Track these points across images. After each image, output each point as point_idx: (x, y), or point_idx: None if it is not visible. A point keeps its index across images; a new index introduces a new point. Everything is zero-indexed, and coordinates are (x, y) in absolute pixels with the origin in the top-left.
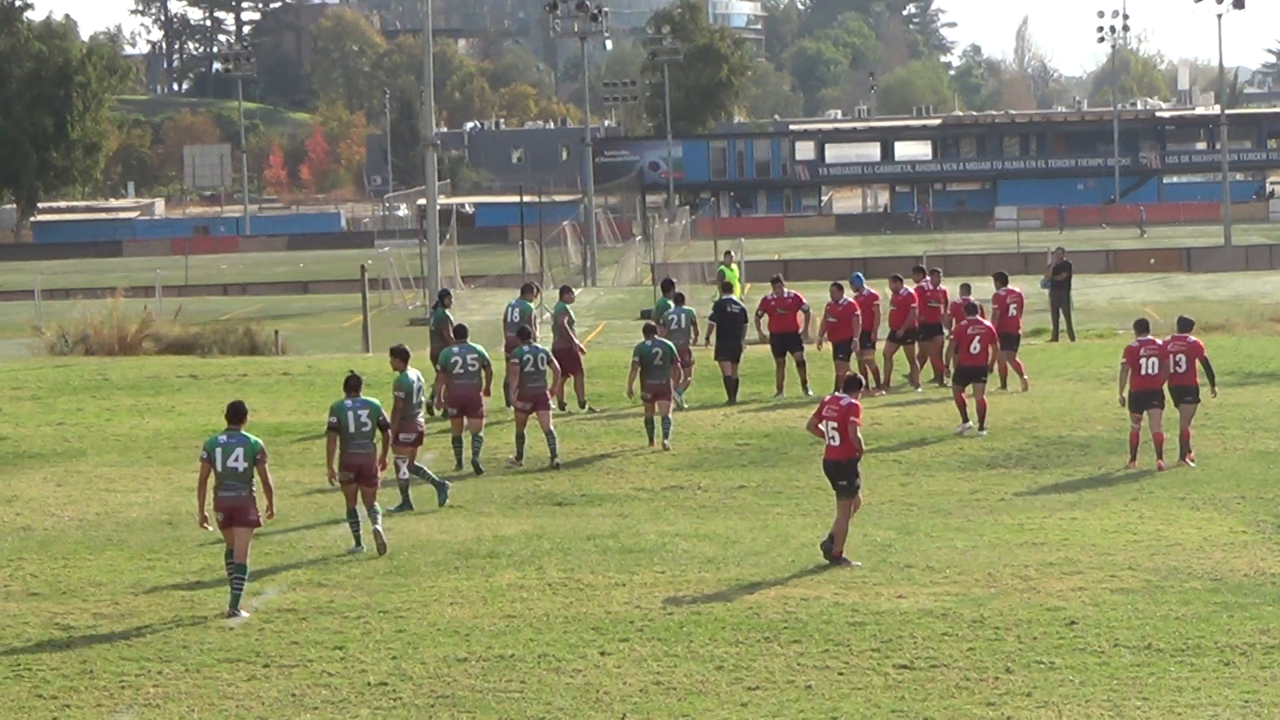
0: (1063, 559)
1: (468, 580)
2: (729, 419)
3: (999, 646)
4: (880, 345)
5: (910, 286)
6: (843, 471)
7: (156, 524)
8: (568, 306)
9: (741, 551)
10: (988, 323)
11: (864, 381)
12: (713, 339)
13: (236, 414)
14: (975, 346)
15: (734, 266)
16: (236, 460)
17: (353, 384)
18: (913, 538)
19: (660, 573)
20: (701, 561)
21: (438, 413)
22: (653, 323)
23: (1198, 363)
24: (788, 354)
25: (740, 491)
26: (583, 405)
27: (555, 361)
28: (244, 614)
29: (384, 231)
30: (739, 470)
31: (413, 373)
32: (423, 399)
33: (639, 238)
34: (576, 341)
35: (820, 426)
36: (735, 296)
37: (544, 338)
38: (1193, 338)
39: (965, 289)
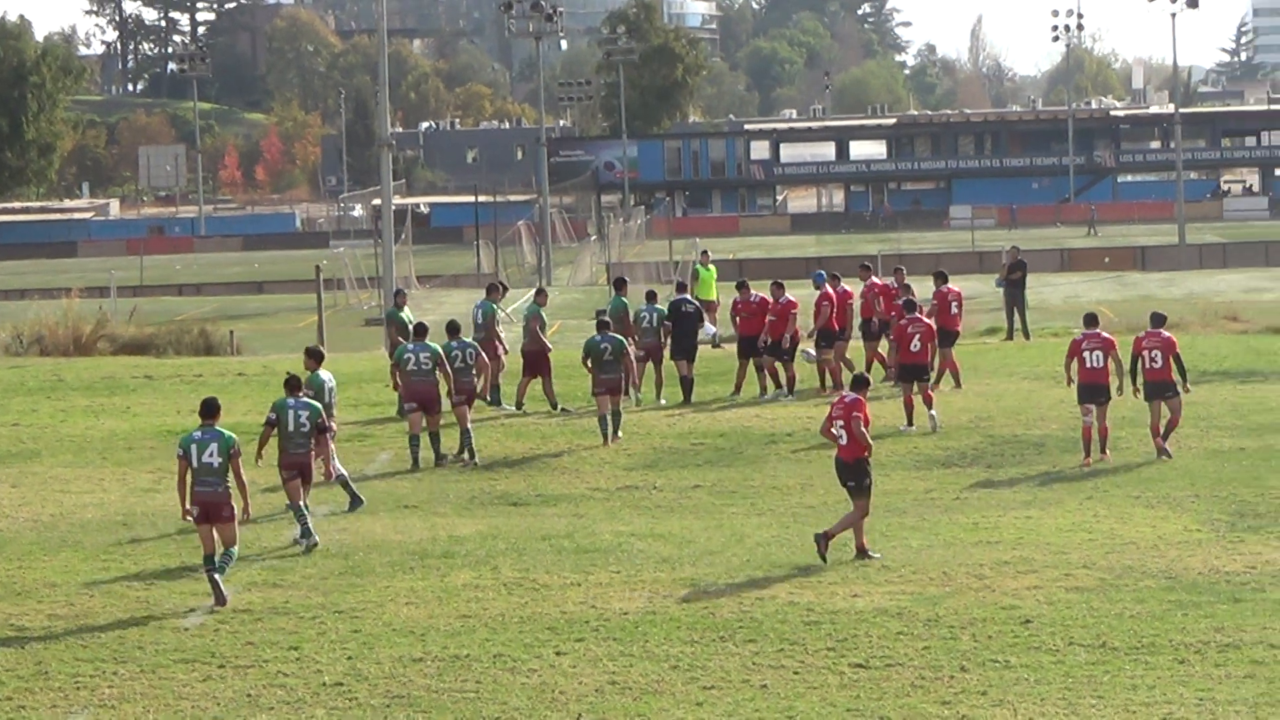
0: (1018, 558)
1: (423, 580)
2: (684, 418)
3: (954, 645)
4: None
5: (845, 285)
6: (851, 472)
7: (111, 525)
8: (540, 309)
9: (697, 551)
10: (928, 321)
11: (869, 380)
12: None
13: (210, 410)
14: (915, 345)
15: (711, 266)
16: (211, 456)
17: (293, 384)
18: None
19: (615, 572)
20: (657, 561)
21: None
22: (606, 318)
23: (1172, 359)
24: (750, 358)
25: (695, 491)
26: (555, 407)
27: (484, 357)
28: (228, 582)
29: (339, 232)
30: (694, 470)
31: (324, 373)
32: (335, 399)
33: (594, 237)
34: (546, 343)
35: (832, 430)
36: (689, 295)
37: (513, 338)
38: (1166, 333)
39: (906, 288)
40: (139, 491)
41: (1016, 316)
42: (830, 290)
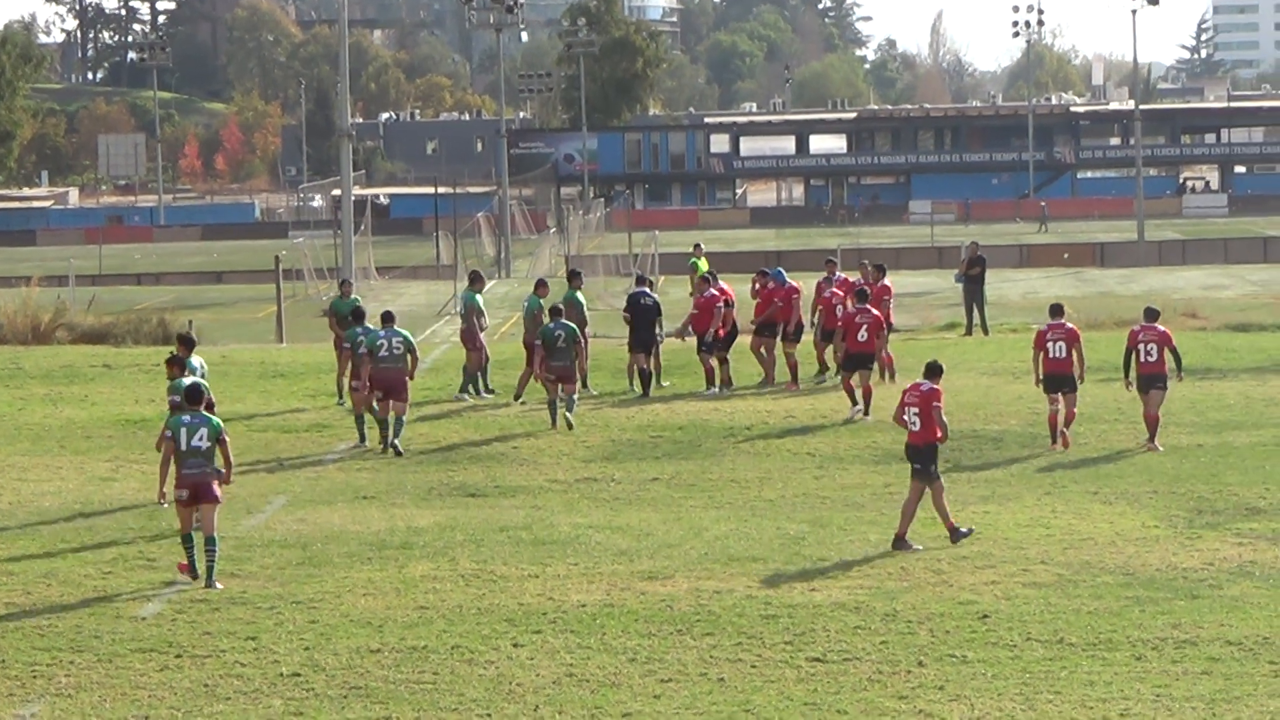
0: (975, 553)
1: (381, 571)
2: (643, 411)
3: (911, 640)
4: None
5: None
6: (921, 456)
7: (69, 513)
8: (542, 301)
9: (654, 544)
10: (876, 311)
11: (942, 368)
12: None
13: (196, 396)
14: (863, 335)
15: (704, 259)
16: (201, 439)
17: (178, 362)
18: (825, 531)
19: (573, 564)
20: (614, 554)
21: (346, 402)
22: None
23: (1166, 351)
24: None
25: (653, 484)
26: (517, 398)
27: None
28: (219, 585)
29: (298, 222)
30: (652, 463)
31: (195, 359)
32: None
33: (553, 230)
34: None
35: (904, 417)
36: (648, 289)
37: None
38: (1161, 327)
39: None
40: (97, 480)
41: (975, 312)
42: (794, 285)
